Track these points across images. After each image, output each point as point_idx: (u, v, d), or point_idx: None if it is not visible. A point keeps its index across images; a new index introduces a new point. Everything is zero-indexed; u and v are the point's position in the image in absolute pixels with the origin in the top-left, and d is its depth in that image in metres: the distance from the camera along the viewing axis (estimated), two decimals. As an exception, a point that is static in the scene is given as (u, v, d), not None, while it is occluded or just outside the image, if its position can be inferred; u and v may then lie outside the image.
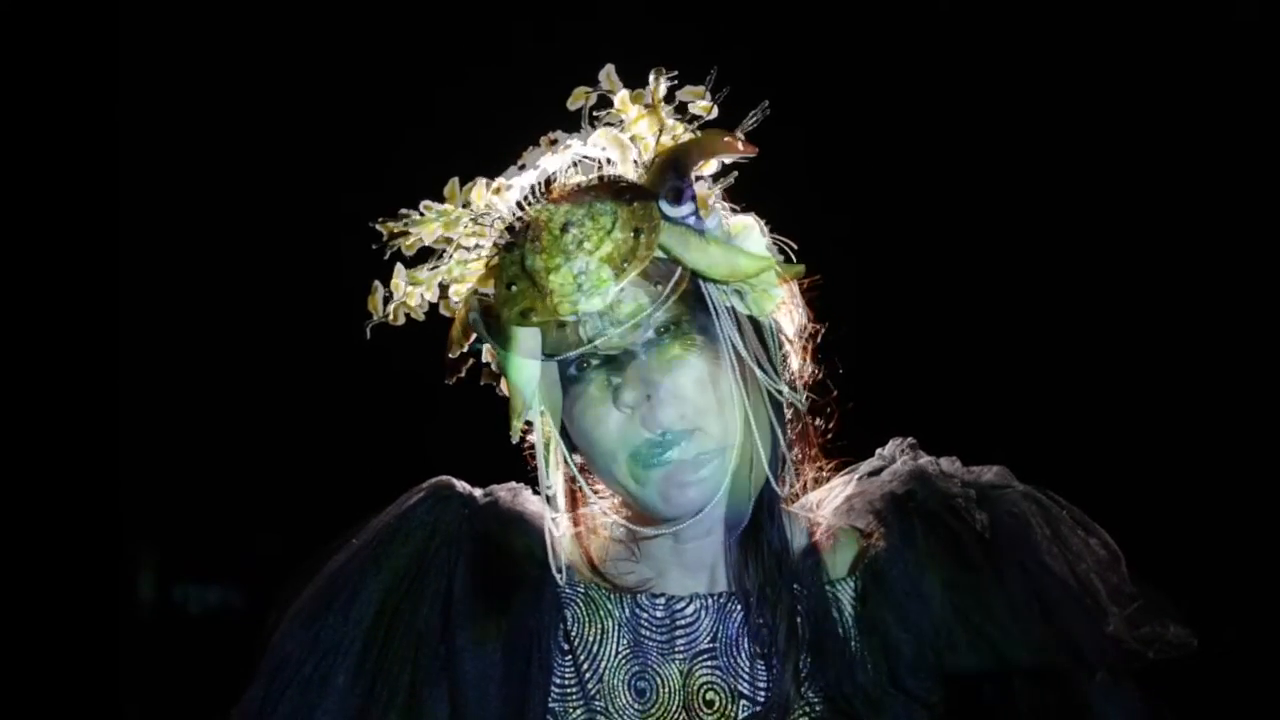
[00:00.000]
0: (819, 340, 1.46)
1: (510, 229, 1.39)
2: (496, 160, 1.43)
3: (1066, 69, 2.17)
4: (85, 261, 2.51)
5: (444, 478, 1.47)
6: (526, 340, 1.36)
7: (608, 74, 1.40)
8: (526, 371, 1.36)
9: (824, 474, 1.48)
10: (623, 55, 1.41)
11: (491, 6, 2.32)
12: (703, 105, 1.39)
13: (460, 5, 2.33)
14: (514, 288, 1.35)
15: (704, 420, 1.33)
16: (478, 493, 1.46)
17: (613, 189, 1.36)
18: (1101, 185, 2.16)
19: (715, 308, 1.36)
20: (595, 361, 1.35)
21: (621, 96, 1.40)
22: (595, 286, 1.32)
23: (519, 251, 1.36)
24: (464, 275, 1.44)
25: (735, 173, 1.42)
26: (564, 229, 1.34)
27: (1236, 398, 2.10)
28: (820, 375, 1.46)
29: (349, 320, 2.19)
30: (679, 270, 1.35)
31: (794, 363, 1.44)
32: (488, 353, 1.45)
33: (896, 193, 2.17)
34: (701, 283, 1.36)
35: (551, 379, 1.38)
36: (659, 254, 1.34)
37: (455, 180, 1.42)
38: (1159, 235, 2.14)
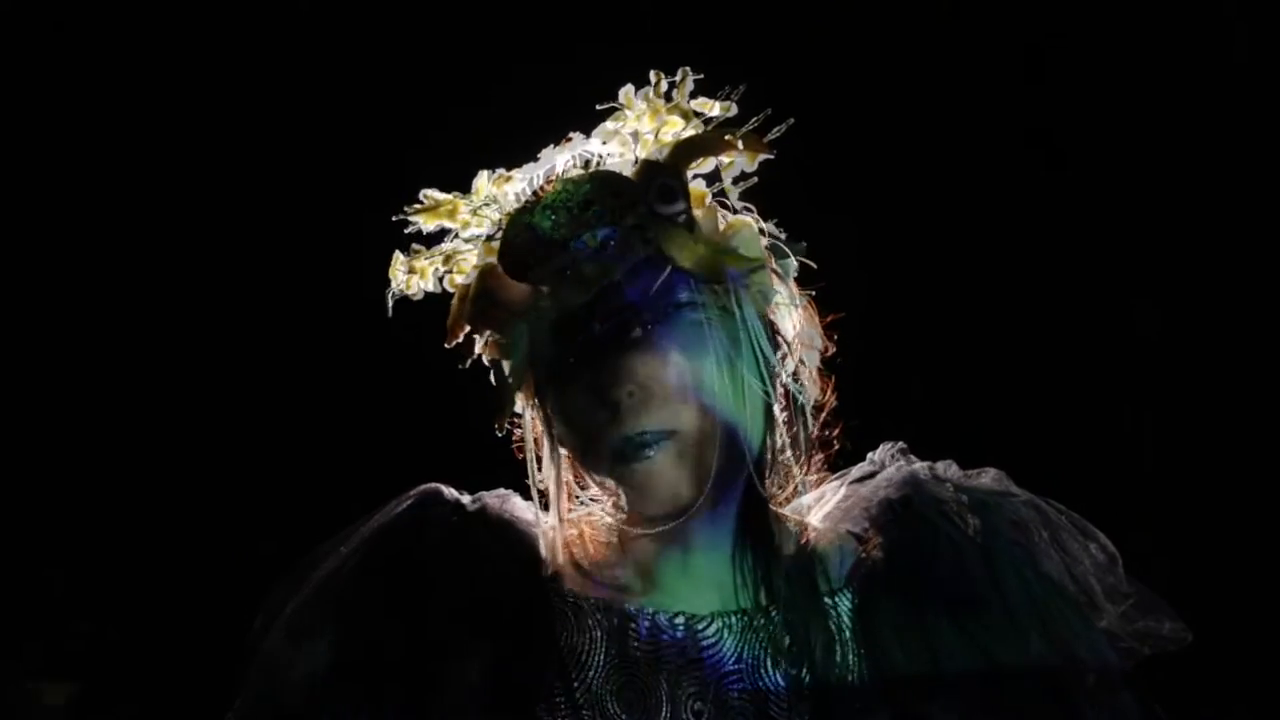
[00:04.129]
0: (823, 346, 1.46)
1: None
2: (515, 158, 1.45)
3: (1068, 74, 2.17)
4: (84, 263, 2.51)
5: (432, 484, 1.46)
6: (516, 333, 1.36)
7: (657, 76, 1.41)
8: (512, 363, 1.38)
9: (816, 478, 1.46)
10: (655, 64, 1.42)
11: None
12: (722, 105, 1.41)
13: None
14: (529, 260, 1.35)
15: (685, 419, 1.33)
16: (466, 499, 1.46)
17: (602, 184, 1.36)
18: (1102, 189, 2.16)
19: (737, 298, 1.36)
20: (580, 356, 1.34)
21: (625, 92, 1.40)
22: (622, 252, 1.33)
23: (530, 219, 1.36)
24: (460, 266, 1.44)
25: (754, 179, 1.43)
26: (585, 205, 1.35)
27: (1236, 399, 2.09)
28: (821, 380, 1.45)
29: (346, 321, 2.19)
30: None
31: (791, 364, 1.43)
32: (479, 345, 1.45)
33: (896, 196, 2.17)
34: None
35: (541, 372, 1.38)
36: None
37: (484, 173, 1.43)
38: (1153, 240, 2.13)
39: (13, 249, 2.49)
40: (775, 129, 1.40)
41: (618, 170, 1.40)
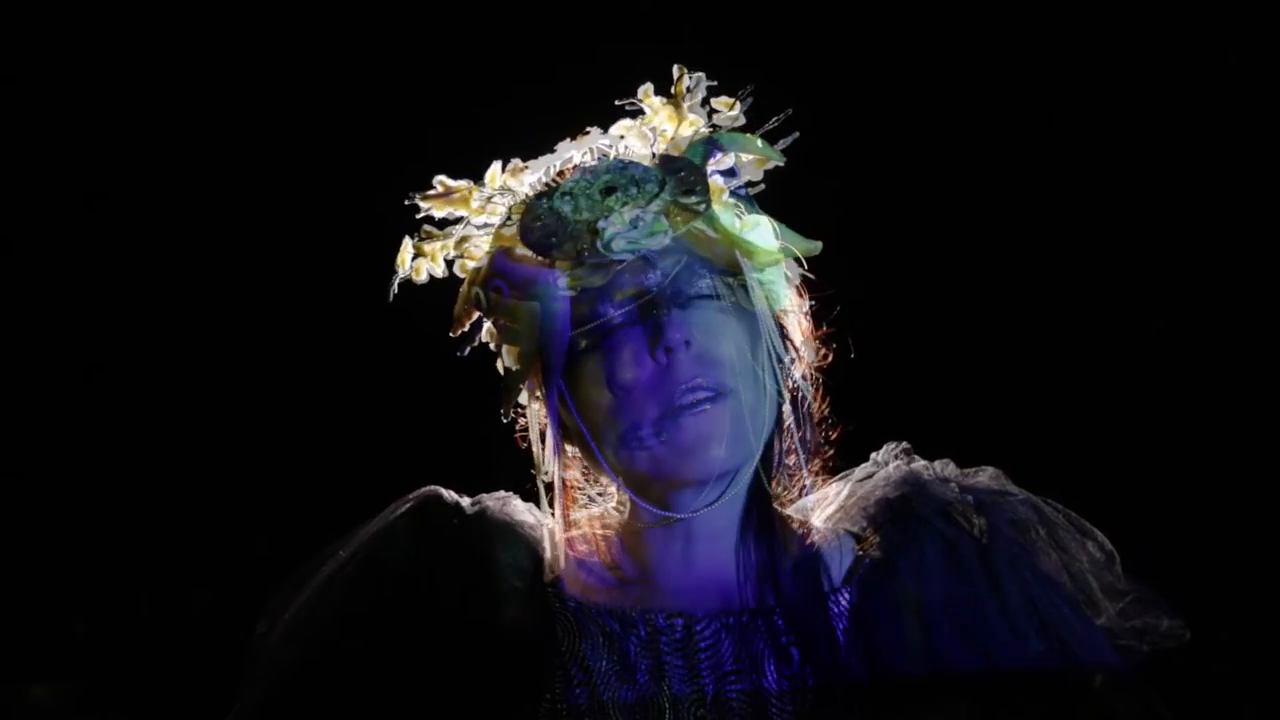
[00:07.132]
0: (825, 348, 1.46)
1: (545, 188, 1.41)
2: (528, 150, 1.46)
3: (1066, 74, 2.17)
4: (84, 257, 2.51)
5: (432, 487, 1.46)
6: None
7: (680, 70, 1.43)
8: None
9: (821, 479, 1.47)
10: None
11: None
12: (729, 114, 1.43)
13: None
14: (554, 239, 1.35)
15: (736, 383, 1.34)
16: (466, 502, 1.45)
17: (624, 171, 1.38)
18: (1100, 188, 2.16)
19: (750, 285, 1.37)
20: (618, 323, 1.35)
21: (645, 89, 1.42)
22: (652, 230, 1.34)
23: (549, 203, 1.38)
24: (470, 252, 1.44)
25: (762, 185, 1.45)
26: (607, 191, 1.36)
27: (1233, 400, 2.09)
28: (823, 381, 1.46)
29: (346, 322, 2.20)
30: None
31: (799, 367, 1.44)
32: (486, 333, 1.45)
33: (895, 195, 2.17)
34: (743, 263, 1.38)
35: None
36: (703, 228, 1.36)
37: (497, 163, 1.43)
38: (1150, 240, 2.13)
39: (19, 244, 2.49)
40: (783, 141, 1.42)
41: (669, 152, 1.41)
